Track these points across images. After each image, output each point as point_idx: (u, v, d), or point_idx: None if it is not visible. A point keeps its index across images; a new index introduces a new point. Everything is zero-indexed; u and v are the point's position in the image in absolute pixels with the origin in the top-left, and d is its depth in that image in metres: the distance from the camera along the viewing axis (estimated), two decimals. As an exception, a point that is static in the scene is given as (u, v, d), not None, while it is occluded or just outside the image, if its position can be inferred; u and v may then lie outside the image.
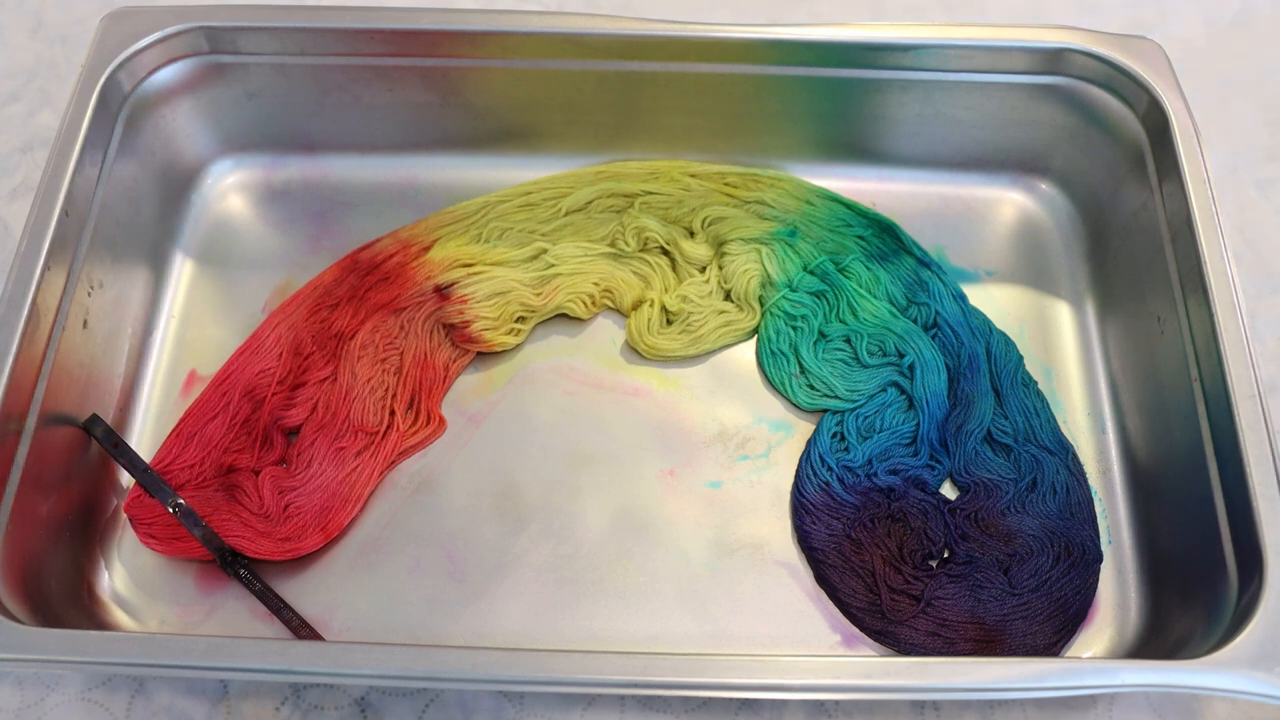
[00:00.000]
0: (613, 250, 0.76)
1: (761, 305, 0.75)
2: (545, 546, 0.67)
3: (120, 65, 0.71)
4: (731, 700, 0.63)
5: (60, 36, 0.88)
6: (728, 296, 0.75)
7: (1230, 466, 0.61)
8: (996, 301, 0.76)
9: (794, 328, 0.74)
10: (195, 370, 0.73)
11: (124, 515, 0.66)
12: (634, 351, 0.74)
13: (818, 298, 0.75)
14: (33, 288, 0.63)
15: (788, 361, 0.73)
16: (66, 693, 0.63)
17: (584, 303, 0.74)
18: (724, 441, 0.71)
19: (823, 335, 0.74)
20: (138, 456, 0.67)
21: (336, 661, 0.54)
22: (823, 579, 0.66)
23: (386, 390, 0.70)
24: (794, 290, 0.75)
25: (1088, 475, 0.69)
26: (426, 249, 0.76)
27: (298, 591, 0.65)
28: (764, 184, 0.79)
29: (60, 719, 0.62)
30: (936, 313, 0.74)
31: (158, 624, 0.64)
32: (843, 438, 0.70)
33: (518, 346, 0.74)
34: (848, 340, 0.73)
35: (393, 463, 0.69)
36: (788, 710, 0.63)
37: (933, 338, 0.73)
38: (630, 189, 0.78)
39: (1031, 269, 0.78)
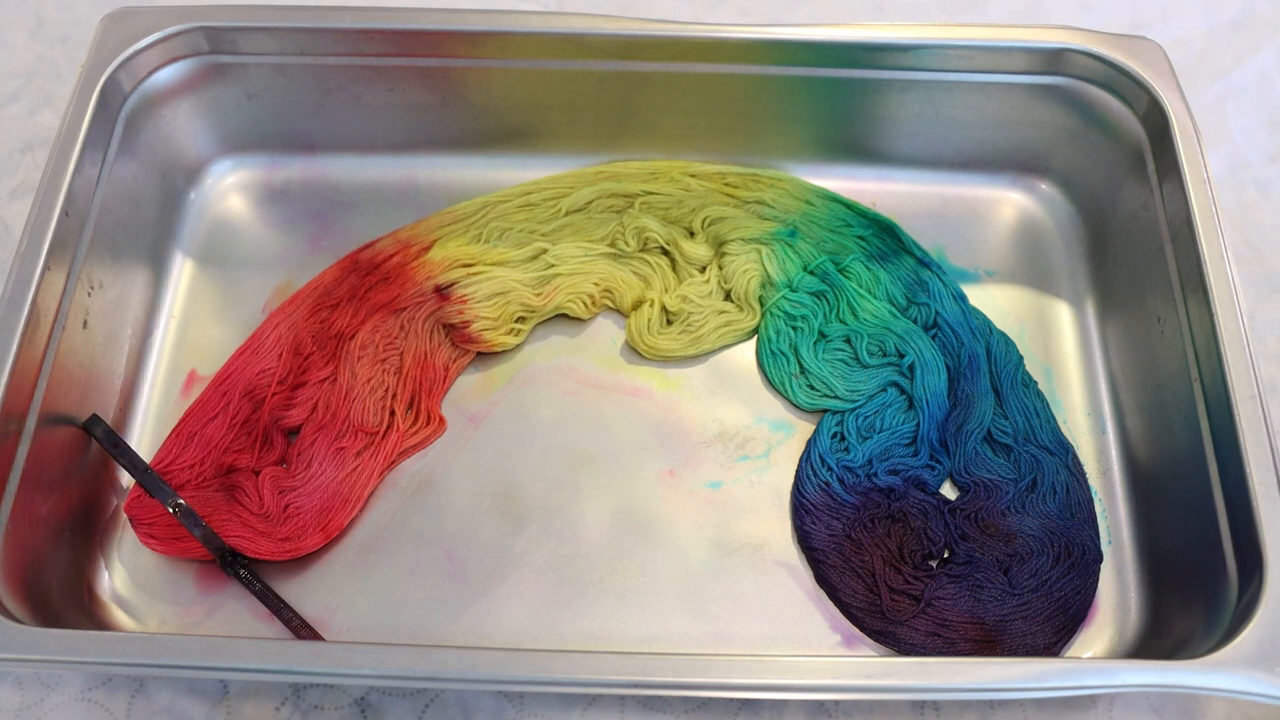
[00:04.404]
0: (613, 250, 0.76)
1: (761, 305, 0.75)
2: (545, 546, 0.67)
3: (120, 65, 0.71)
4: (731, 700, 0.63)
5: (60, 36, 0.88)
6: (728, 296, 0.75)
7: (1230, 466, 0.61)
8: (996, 301, 0.76)
9: (794, 328, 0.74)
10: (195, 370, 0.73)
11: (124, 515, 0.66)
12: (634, 351, 0.74)
13: (818, 298, 0.75)
14: (33, 288, 0.63)
15: (788, 361, 0.73)
16: (66, 693, 0.63)
17: (584, 303, 0.74)
18: (724, 441, 0.71)
19: (823, 335, 0.74)
20: (138, 456, 0.67)
21: (336, 661, 0.54)
22: (823, 579, 0.66)
23: (386, 390, 0.70)
24: (794, 290, 0.75)
25: (1088, 475, 0.69)
26: (426, 249, 0.76)
27: (298, 591, 0.65)
28: (764, 184, 0.79)
29: (60, 719, 0.62)
30: (936, 313, 0.74)
31: (158, 624, 0.64)
32: (843, 438, 0.70)
33: (518, 346, 0.74)
34: (848, 340, 0.73)
35: (393, 463, 0.69)
36: (788, 710, 0.63)
37: (933, 338, 0.73)
38: (630, 189, 0.78)
39: (1031, 269, 0.78)
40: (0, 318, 0.62)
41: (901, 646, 0.64)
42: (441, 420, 0.71)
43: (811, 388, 0.72)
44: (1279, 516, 0.58)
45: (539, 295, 0.74)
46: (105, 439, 0.66)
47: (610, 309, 0.76)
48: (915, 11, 0.91)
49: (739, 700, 0.63)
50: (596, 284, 0.75)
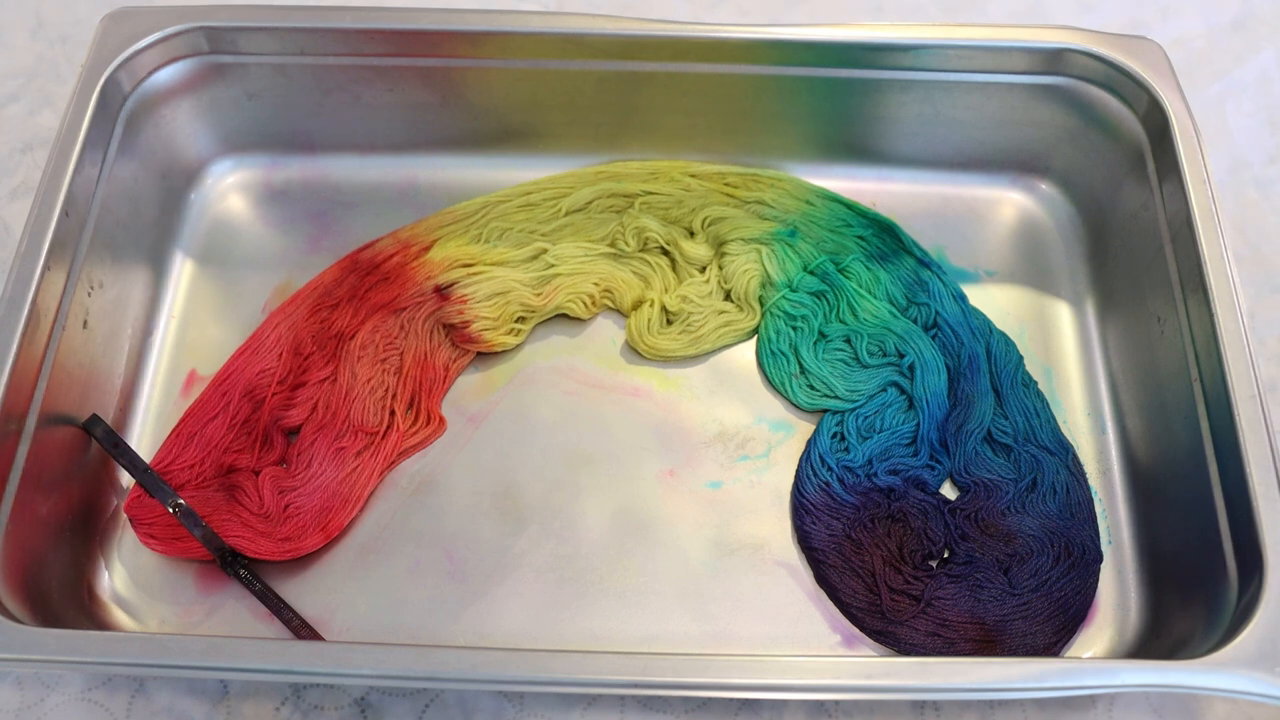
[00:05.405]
0: (613, 250, 0.76)
1: (761, 305, 0.75)
2: (545, 546, 0.67)
3: (120, 65, 0.71)
4: (731, 700, 0.63)
5: (60, 36, 0.88)
6: (728, 296, 0.75)
7: (1230, 466, 0.61)
8: (996, 301, 0.76)
9: (794, 328, 0.74)
10: (195, 370, 0.73)
11: (124, 515, 0.66)
12: (634, 351, 0.74)
13: (818, 298, 0.75)
14: (33, 288, 0.63)
15: (788, 361, 0.73)
16: (66, 693, 0.63)
17: (584, 303, 0.74)
18: (724, 441, 0.71)
19: (823, 335, 0.74)
20: (138, 456, 0.67)
21: (336, 661, 0.54)
22: (823, 579, 0.66)
23: (386, 390, 0.70)
24: (794, 290, 0.75)
25: (1088, 475, 0.69)
26: (426, 249, 0.76)
27: (298, 591, 0.65)
28: (764, 184, 0.79)
29: (60, 719, 0.62)
30: (936, 313, 0.74)
31: (158, 624, 0.64)
32: (843, 438, 0.70)
33: (518, 346, 0.74)
34: (848, 340, 0.73)
35: (393, 463, 0.69)
36: (788, 710, 0.63)
37: (933, 338, 0.73)
38: (630, 189, 0.78)
39: (1031, 269, 0.78)
40: (0, 318, 0.62)
41: (901, 646, 0.64)
42: (441, 420, 0.71)
43: (811, 388, 0.72)
44: (1279, 516, 0.58)
45: (539, 295, 0.74)
46: (105, 439, 0.66)
47: (610, 309, 0.76)
48: (915, 11, 0.91)
49: (739, 700, 0.63)
50: (596, 284, 0.75)
